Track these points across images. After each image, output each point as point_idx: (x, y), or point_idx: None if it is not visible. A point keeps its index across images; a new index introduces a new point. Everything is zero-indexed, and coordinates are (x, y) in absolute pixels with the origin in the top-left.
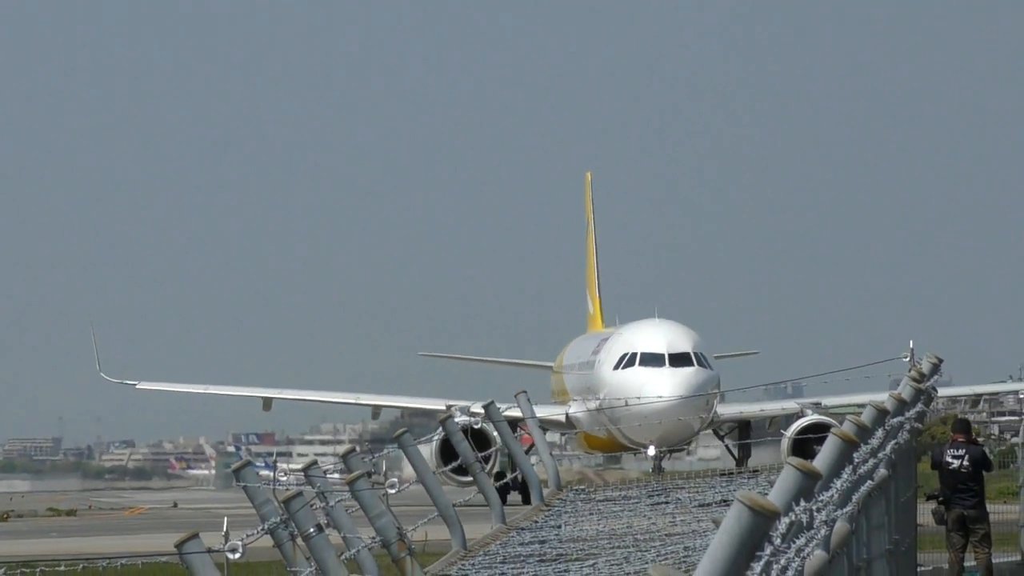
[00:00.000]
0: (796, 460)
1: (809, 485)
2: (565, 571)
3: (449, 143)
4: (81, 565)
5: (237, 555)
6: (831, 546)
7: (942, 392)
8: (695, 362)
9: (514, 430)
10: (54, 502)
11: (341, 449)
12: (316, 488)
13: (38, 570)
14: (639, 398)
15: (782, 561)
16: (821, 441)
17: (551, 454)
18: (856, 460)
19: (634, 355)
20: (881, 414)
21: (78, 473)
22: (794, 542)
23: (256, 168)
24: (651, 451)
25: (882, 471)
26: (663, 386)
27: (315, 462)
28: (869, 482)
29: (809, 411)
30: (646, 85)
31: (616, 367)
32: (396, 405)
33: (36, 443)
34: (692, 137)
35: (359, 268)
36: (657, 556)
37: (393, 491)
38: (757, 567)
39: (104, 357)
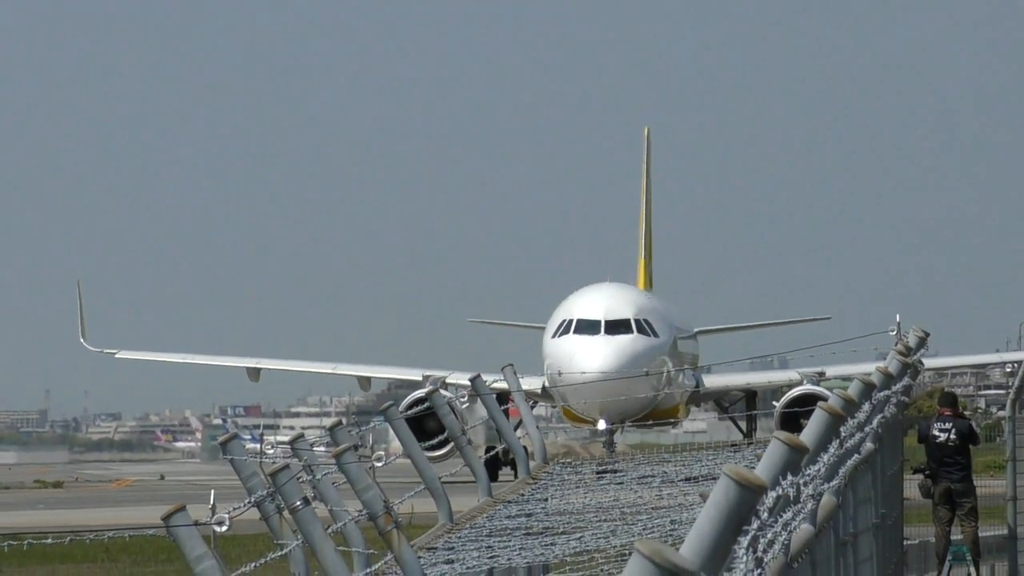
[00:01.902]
0: (783, 434)
1: (796, 459)
2: (552, 544)
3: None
4: (68, 538)
5: (224, 528)
6: (818, 520)
7: (929, 363)
8: (635, 329)
9: (502, 403)
10: (40, 474)
11: (328, 421)
12: (303, 461)
13: (25, 543)
14: (569, 370)
15: (769, 535)
16: (810, 414)
17: (537, 427)
18: (843, 434)
19: (570, 322)
20: (868, 388)
21: (64, 445)
22: (781, 516)
23: (263, 133)
24: (601, 425)
25: (869, 445)
26: (593, 356)
27: (302, 435)
28: (856, 456)
29: (805, 381)
30: (705, 46)
31: (554, 335)
32: (380, 376)
33: (22, 415)
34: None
35: (392, 235)
36: (644, 529)
37: (380, 464)
38: (744, 541)
39: (90, 327)
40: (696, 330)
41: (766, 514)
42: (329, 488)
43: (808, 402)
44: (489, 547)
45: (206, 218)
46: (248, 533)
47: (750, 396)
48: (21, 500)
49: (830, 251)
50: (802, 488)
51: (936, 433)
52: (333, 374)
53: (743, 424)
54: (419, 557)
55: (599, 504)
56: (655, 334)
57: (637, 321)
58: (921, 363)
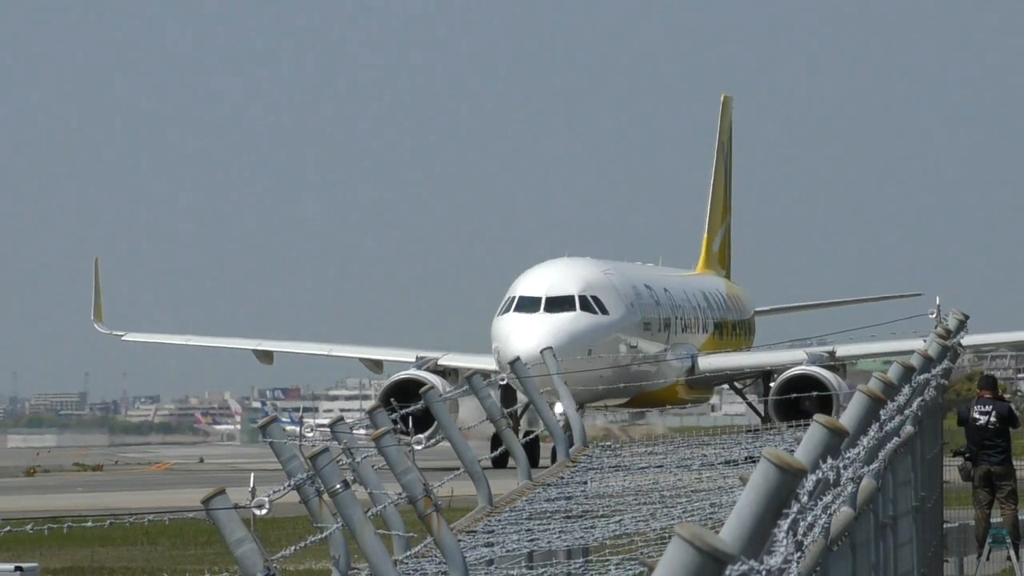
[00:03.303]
0: (823, 417)
1: (836, 442)
2: (591, 527)
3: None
4: (108, 521)
5: (264, 511)
6: (857, 503)
7: (967, 341)
8: (578, 306)
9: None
10: (80, 457)
11: (367, 404)
12: (342, 444)
13: (65, 525)
14: (505, 350)
15: (809, 518)
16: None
17: (576, 410)
18: (883, 417)
19: (512, 299)
20: (908, 371)
21: (104, 428)
22: (821, 499)
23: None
24: (558, 409)
25: (908, 428)
26: (527, 335)
27: (341, 418)
28: (896, 439)
29: (804, 362)
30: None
31: (500, 312)
32: (374, 357)
33: (62, 398)
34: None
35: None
36: (683, 512)
37: (420, 447)
38: (784, 524)
39: (115, 309)
40: (755, 310)
41: (806, 497)
42: (369, 471)
43: (804, 383)
44: (529, 530)
45: (224, 205)
46: (288, 516)
47: (766, 377)
48: (61, 483)
49: (871, 228)
50: (842, 471)
51: (976, 416)
52: (329, 356)
53: (762, 408)
54: (459, 540)
55: (638, 487)
56: (604, 311)
57: (583, 298)
58: (961, 346)
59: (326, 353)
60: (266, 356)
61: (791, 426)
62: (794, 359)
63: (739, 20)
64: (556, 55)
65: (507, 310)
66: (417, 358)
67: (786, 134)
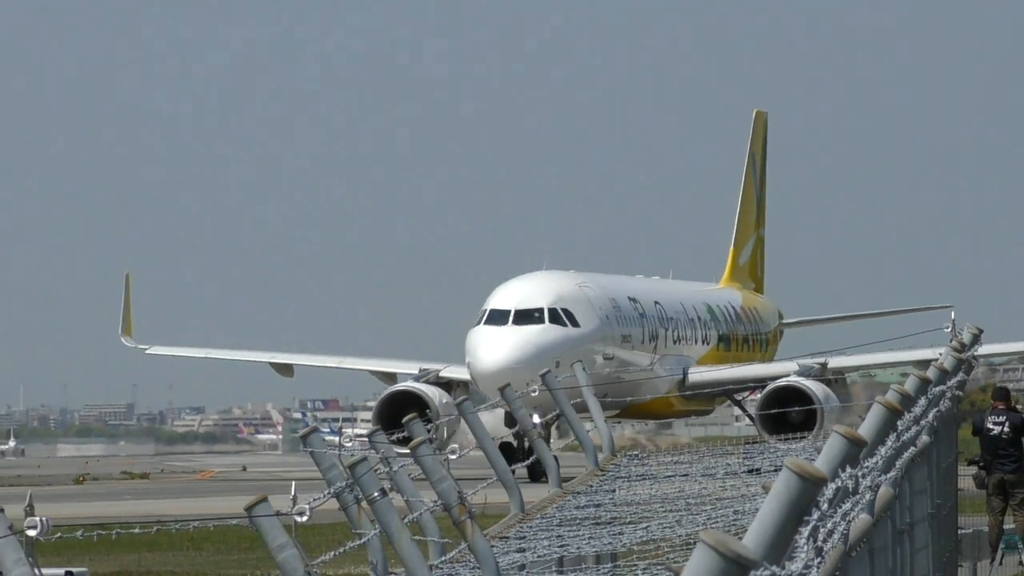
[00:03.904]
0: (843, 428)
1: (855, 452)
2: (619, 533)
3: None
4: (155, 527)
5: (304, 518)
6: (875, 510)
7: (985, 350)
8: (548, 319)
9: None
10: (127, 465)
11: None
12: (380, 454)
13: (113, 532)
14: (474, 362)
15: (829, 525)
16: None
17: (605, 421)
18: (900, 428)
19: (484, 312)
20: (924, 383)
21: (151, 438)
22: (840, 507)
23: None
24: (535, 419)
25: (924, 438)
26: (493, 348)
27: (379, 428)
28: (912, 448)
29: (793, 374)
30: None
31: (474, 325)
32: (377, 369)
33: (110, 409)
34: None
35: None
36: (708, 519)
37: (454, 457)
38: (805, 531)
39: (151, 323)
40: (783, 322)
41: (826, 505)
42: (405, 479)
43: (789, 394)
44: (559, 536)
45: (252, 218)
46: (327, 523)
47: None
48: (109, 491)
49: (889, 242)
50: (860, 480)
51: (990, 426)
52: (340, 368)
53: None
54: (492, 546)
55: (665, 495)
56: (575, 324)
57: (552, 310)
58: (976, 359)
59: (336, 366)
60: (285, 369)
61: (781, 439)
62: (785, 371)
63: (769, 33)
64: (578, 65)
65: (479, 323)
66: (420, 370)
67: (819, 149)
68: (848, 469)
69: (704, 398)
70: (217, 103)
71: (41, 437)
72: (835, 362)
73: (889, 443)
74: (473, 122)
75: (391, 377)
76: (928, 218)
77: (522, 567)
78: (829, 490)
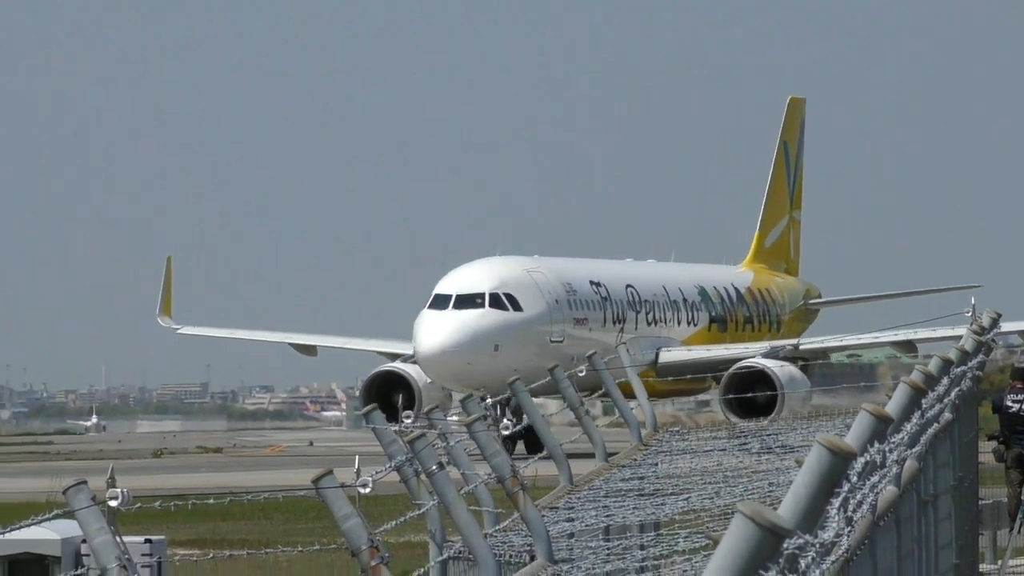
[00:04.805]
0: (871, 406)
1: (882, 429)
2: (662, 504)
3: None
4: (228, 498)
5: (367, 490)
6: (901, 483)
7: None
8: (488, 304)
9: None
10: (202, 441)
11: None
12: (438, 430)
13: (189, 502)
14: (416, 346)
15: (858, 496)
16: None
17: (648, 399)
18: (924, 406)
19: (431, 297)
20: (946, 364)
21: (223, 415)
22: (869, 479)
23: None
24: (488, 401)
25: (947, 415)
26: (430, 331)
27: (437, 406)
28: (935, 425)
29: (758, 355)
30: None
31: (422, 309)
32: (390, 352)
33: (186, 388)
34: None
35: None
36: (745, 492)
37: (507, 432)
38: (836, 502)
39: (193, 306)
40: (809, 303)
41: (855, 478)
42: (461, 454)
43: (752, 376)
44: (605, 507)
45: (282, 203)
46: (389, 494)
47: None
48: (185, 464)
49: (914, 221)
50: (887, 454)
51: (1009, 404)
52: (345, 349)
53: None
54: (543, 515)
55: (704, 468)
56: (517, 308)
57: (494, 295)
58: (995, 341)
59: (341, 346)
60: (307, 349)
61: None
62: (754, 352)
63: (799, 20)
64: (604, 52)
65: (425, 307)
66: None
67: (854, 133)
68: (876, 444)
69: (686, 379)
70: (253, 94)
71: (122, 414)
72: (807, 344)
73: (914, 420)
74: (493, 119)
75: (393, 358)
76: (963, 200)
77: (571, 535)
78: (858, 464)
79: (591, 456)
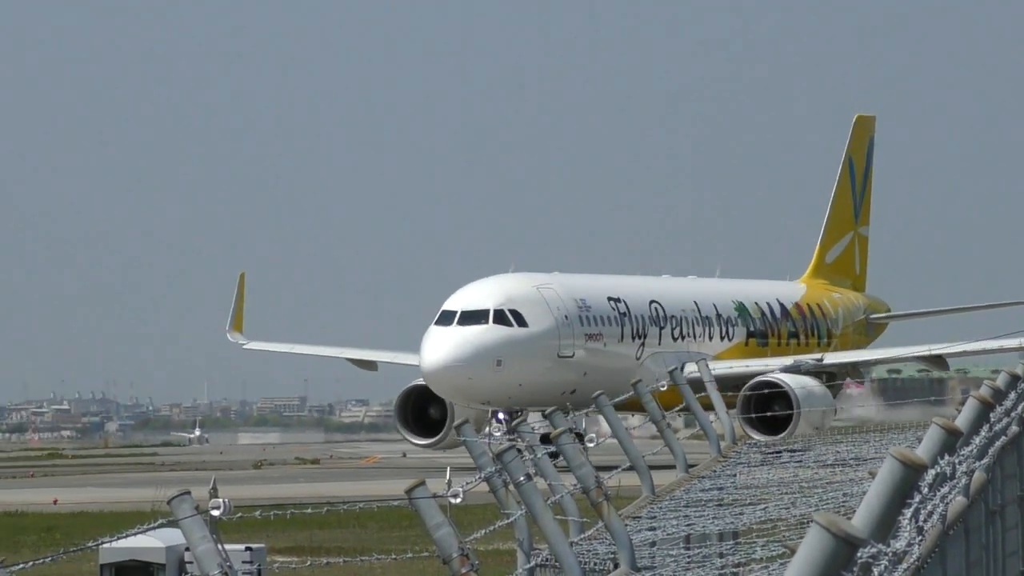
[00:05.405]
0: (941, 419)
1: (952, 441)
2: (740, 513)
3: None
4: (325, 508)
5: (458, 500)
6: (970, 493)
7: None
8: (492, 320)
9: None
10: (300, 452)
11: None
12: (525, 442)
13: (288, 512)
14: (421, 361)
15: (929, 507)
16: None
17: (728, 413)
18: (992, 419)
19: (438, 313)
20: (1013, 379)
21: (321, 427)
22: (939, 490)
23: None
24: (500, 415)
25: (1014, 428)
26: (434, 347)
27: (524, 419)
28: (1003, 438)
29: (778, 369)
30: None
31: (430, 326)
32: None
33: (285, 401)
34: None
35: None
36: (820, 502)
37: (592, 445)
38: (908, 512)
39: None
40: (870, 317)
41: (926, 489)
42: (548, 465)
43: (770, 389)
44: (686, 516)
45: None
46: (479, 504)
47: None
48: (284, 475)
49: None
50: (957, 466)
51: None
52: (393, 363)
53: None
54: (626, 524)
55: (781, 479)
56: (522, 324)
57: (499, 311)
58: None
59: (402, 362)
60: (367, 364)
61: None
62: (775, 367)
63: (869, 36)
64: (665, 67)
65: (432, 323)
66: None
67: (929, 150)
68: (946, 456)
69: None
70: (319, 118)
71: (223, 427)
72: (831, 358)
73: (982, 433)
74: (569, 131)
75: None
76: None
77: (653, 544)
78: (929, 476)
79: (672, 467)
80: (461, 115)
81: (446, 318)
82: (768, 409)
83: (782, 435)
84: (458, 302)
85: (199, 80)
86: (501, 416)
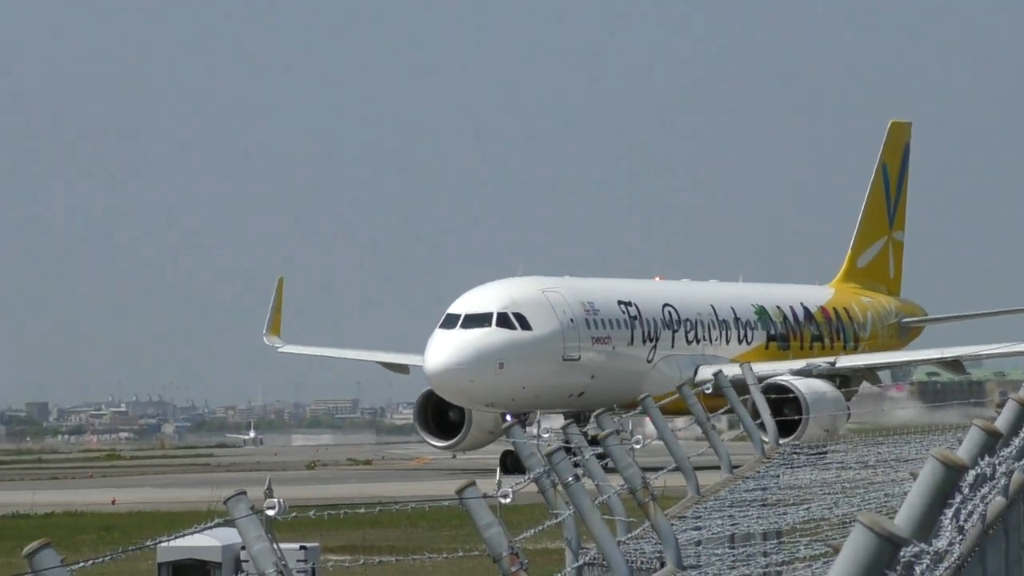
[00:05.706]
0: (981, 422)
1: (992, 443)
2: (784, 513)
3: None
4: (377, 507)
5: (508, 500)
6: (1010, 493)
7: None
8: (495, 323)
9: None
10: (352, 453)
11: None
12: (573, 444)
13: (341, 511)
14: (425, 363)
15: (969, 507)
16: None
17: (771, 415)
18: None
19: (442, 316)
20: None
21: (372, 429)
22: (979, 491)
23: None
24: (508, 418)
25: None
26: (437, 350)
27: (572, 422)
28: None
29: (788, 372)
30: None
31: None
32: None
33: (337, 404)
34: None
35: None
36: (862, 502)
37: (639, 446)
38: (949, 512)
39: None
40: (902, 321)
41: (967, 489)
42: (595, 466)
43: (780, 392)
44: (730, 516)
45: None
46: (528, 503)
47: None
48: (337, 475)
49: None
50: (997, 467)
51: None
52: (413, 365)
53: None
54: (672, 524)
55: (823, 480)
56: (526, 327)
57: (502, 315)
58: None
59: (421, 364)
60: (398, 368)
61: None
62: (784, 370)
63: (901, 44)
64: (697, 70)
65: (437, 327)
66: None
67: (966, 155)
68: (986, 457)
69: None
70: (353, 126)
71: (277, 428)
72: (844, 361)
73: (1021, 434)
74: (600, 135)
75: None
76: None
77: (698, 543)
78: (969, 476)
79: (717, 468)
80: (478, 128)
81: (450, 321)
82: (778, 413)
83: (790, 439)
84: (462, 306)
85: (245, 94)
86: (508, 418)
